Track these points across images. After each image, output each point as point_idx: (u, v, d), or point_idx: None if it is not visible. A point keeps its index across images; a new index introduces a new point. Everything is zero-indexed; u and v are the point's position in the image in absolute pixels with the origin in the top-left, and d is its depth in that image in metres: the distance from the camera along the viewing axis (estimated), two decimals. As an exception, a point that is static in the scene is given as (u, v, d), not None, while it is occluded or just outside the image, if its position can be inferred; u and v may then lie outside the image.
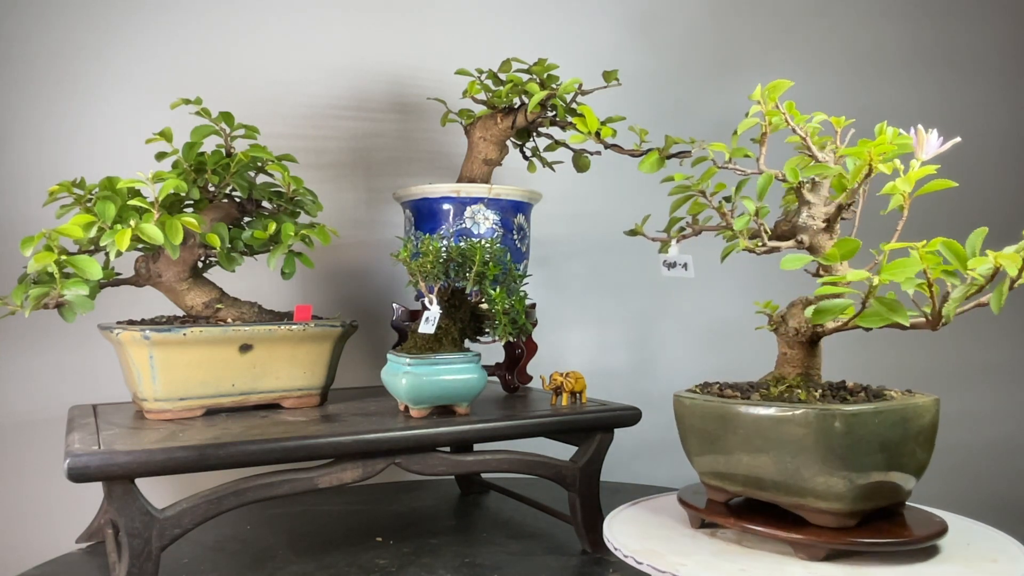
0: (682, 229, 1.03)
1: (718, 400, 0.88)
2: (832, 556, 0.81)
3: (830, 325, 0.90)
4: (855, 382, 0.94)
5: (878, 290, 0.74)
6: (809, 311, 0.79)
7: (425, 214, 1.30)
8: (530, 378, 1.38)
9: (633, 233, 1.08)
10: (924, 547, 0.82)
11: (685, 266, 1.02)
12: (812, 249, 0.90)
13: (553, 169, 1.44)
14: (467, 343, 1.17)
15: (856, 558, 0.81)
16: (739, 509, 0.89)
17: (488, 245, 1.11)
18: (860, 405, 0.80)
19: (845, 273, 0.84)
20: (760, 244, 0.90)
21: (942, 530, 0.83)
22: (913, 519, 0.86)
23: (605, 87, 1.27)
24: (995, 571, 0.78)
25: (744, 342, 1.50)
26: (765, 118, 0.91)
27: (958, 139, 0.83)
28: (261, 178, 1.24)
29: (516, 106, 1.30)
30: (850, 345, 1.43)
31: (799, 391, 0.88)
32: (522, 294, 1.11)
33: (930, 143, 0.82)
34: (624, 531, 0.92)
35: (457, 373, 1.09)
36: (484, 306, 1.14)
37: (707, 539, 0.89)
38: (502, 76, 1.32)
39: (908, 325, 0.74)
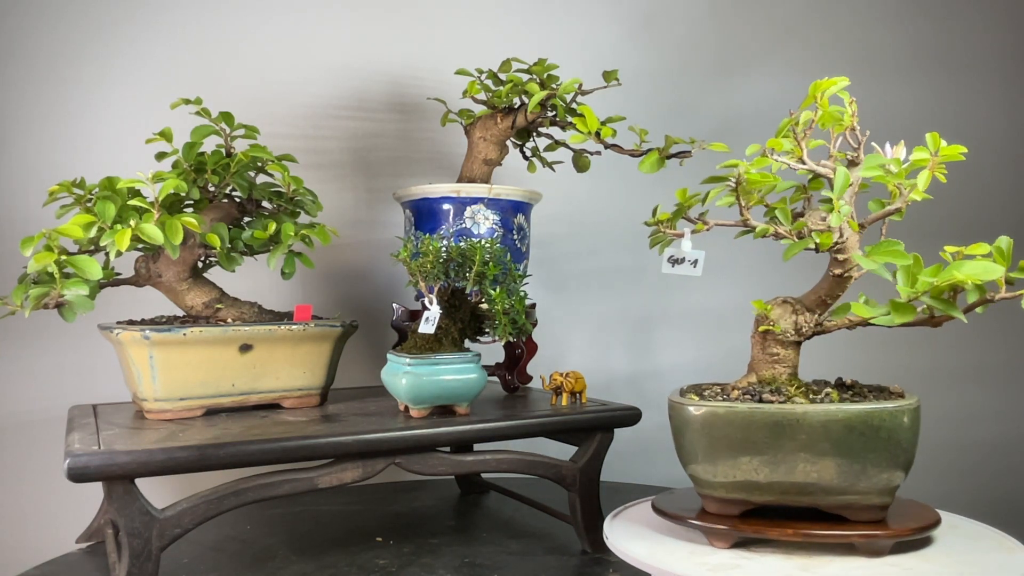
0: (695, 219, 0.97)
1: (771, 406, 0.82)
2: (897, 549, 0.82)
3: (830, 324, 0.91)
4: (850, 379, 0.95)
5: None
6: (860, 309, 0.81)
7: (425, 214, 1.30)
8: (530, 378, 1.38)
9: (653, 223, 1.00)
10: (923, 538, 0.85)
11: (695, 263, 0.96)
12: (844, 248, 0.89)
13: (553, 169, 1.44)
14: (467, 343, 1.17)
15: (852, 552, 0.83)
16: (758, 520, 0.85)
17: (488, 245, 1.11)
18: (912, 400, 0.82)
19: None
20: (835, 242, 0.86)
21: (937, 518, 0.86)
22: (892, 509, 0.88)
23: (605, 87, 1.27)
24: (994, 567, 0.79)
25: (744, 341, 1.50)
26: (818, 112, 0.87)
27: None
28: (261, 178, 1.24)
29: (516, 106, 1.30)
30: (829, 346, 1.44)
31: (830, 391, 0.89)
32: (522, 294, 1.11)
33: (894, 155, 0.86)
34: (658, 553, 0.85)
35: (457, 373, 1.09)
36: (484, 306, 1.14)
37: (752, 554, 0.83)
38: (502, 76, 1.32)
39: (966, 320, 0.78)
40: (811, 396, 0.86)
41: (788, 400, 0.85)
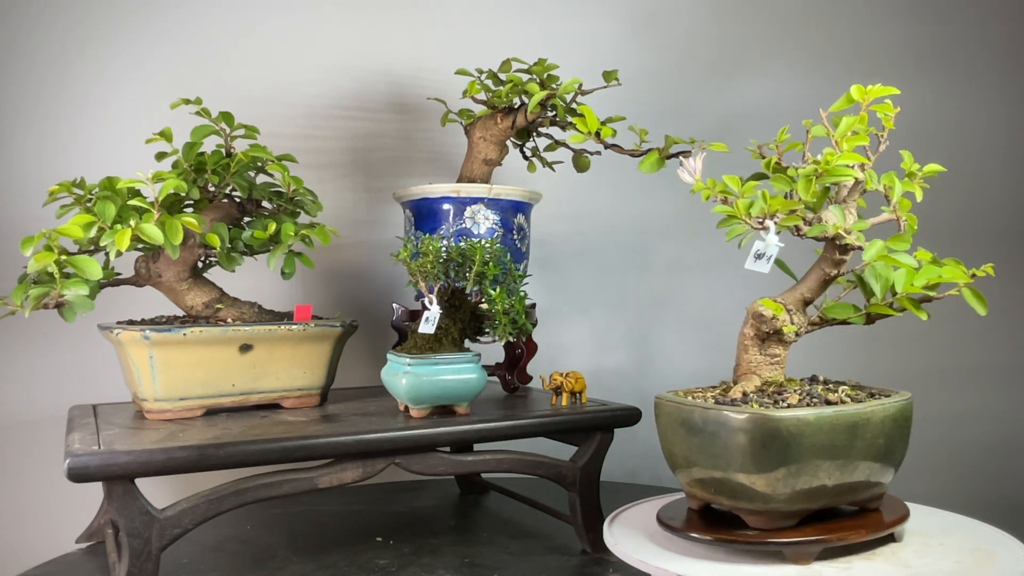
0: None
1: (849, 408, 0.80)
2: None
3: (826, 322, 0.92)
4: (821, 376, 0.98)
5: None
6: (877, 308, 0.85)
7: (425, 214, 1.30)
8: (530, 378, 1.38)
9: (728, 212, 0.90)
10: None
11: (769, 259, 0.90)
12: (846, 249, 0.89)
13: (553, 169, 1.44)
14: (467, 343, 1.17)
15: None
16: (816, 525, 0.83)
17: (488, 245, 1.11)
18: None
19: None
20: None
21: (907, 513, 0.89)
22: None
23: (605, 87, 1.27)
24: (994, 565, 0.79)
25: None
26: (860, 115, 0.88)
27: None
28: (261, 178, 1.24)
29: (516, 106, 1.30)
30: (826, 346, 1.44)
31: (846, 387, 0.91)
32: (522, 294, 1.11)
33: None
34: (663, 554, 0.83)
35: (457, 373, 1.09)
36: (484, 306, 1.14)
37: (831, 563, 0.80)
38: (502, 76, 1.32)
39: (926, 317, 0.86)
40: (832, 395, 0.87)
41: (840, 401, 0.84)
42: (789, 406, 0.81)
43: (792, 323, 0.90)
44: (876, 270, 0.86)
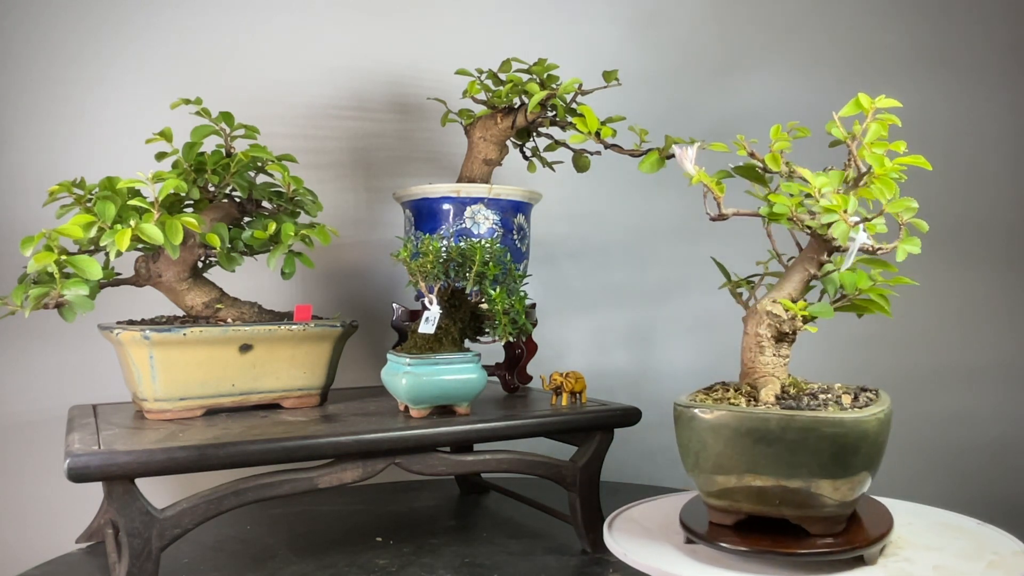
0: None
1: (886, 403, 0.82)
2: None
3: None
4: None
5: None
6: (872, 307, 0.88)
7: (425, 214, 1.30)
8: (530, 378, 1.38)
9: (828, 208, 0.86)
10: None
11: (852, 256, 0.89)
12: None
13: (553, 169, 1.44)
14: (467, 343, 1.17)
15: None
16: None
17: (488, 245, 1.11)
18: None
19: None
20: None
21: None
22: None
23: (605, 87, 1.27)
24: (994, 566, 0.79)
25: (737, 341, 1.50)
26: (865, 126, 0.88)
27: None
28: (261, 178, 1.24)
29: (516, 106, 1.30)
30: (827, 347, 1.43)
31: (840, 385, 0.92)
32: (522, 294, 1.11)
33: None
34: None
35: (457, 373, 1.09)
36: (484, 306, 1.14)
37: (890, 560, 0.81)
38: (502, 76, 1.32)
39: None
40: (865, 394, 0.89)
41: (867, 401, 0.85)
42: (849, 407, 0.81)
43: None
44: (831, 277, 0.91)
